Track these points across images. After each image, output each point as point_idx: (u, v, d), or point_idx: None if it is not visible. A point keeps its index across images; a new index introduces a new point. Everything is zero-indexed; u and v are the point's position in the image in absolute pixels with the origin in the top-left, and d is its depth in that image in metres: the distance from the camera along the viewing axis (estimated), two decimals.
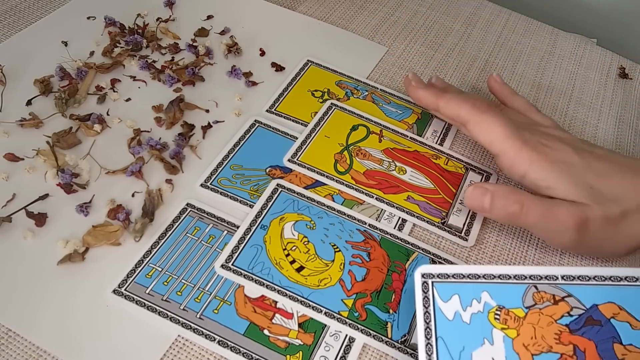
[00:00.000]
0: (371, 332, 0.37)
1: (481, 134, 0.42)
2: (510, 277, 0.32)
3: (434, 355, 0.30)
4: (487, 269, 0.33)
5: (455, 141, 0.50)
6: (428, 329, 0.31)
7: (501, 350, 0.30)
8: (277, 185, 0.43)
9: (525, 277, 0.32)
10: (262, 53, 0.54)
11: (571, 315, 0.31)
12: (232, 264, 0.38)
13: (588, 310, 0.31)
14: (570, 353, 0.30)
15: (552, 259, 0.43)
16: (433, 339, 0.30)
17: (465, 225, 0.43)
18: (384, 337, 0.36)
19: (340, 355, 0.35)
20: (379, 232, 0.42)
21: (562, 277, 0.32)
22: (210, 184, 0.43)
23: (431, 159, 0.47)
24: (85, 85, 0.48)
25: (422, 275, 0.33)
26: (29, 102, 0.46)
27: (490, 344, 0.30)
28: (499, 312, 0.31)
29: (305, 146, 0.46)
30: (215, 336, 0.35)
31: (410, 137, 0.49)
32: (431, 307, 0.31)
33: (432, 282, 0.32)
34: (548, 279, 0.32)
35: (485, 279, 0.32)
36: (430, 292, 0.32)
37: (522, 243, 0.44)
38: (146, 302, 0.36)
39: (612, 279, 0.32)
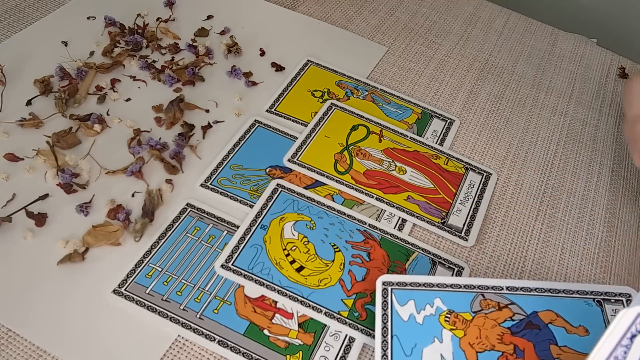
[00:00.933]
0: (371, 332, 0.37)
1: None
2: (461, 287, 0.36)
3: (389, 350, 0.33)
4: (441, 279, 0.36)
5: (455, 141, 0.50)
6: (385, 328, 0.34)
7: (449, 347, 0.33)
8: (277, 185, 0.43)
9: (474, 287, 0.36)
10: (262, 53, 0.54)
11: (513, 320, 0.34)
12: (232, 264, 0.38)
13: (528, 316, 0.34)
14: (511, 352, 0.33)
15: (552, 257, 0.43)
16: (389, 337, 0.34)
17: (465, 225, 0.43)
18: None
19: (340, 355, 0.35)
20: (379, 232, 0.42)
21: (507, 288, 0.36)
22: (210, 184, 0.43)
23: (431, 159, 0.47)
24: (85, 85, 0.48)
25: (383, 283, 0.36)
26: (29, 102, 0.46)
27: (439, 342, 0.33)
28: (449, 315, 0.35)
29: (305, 146, 0.46)
30: (215, 336, 0.35)
31: (410, 137, 0.49)
32: (389, 310, 0.35)
33: (391, 289, 0.36)
34: (494, 289, 0.36)
35: (438, 287, 0.36)
36: (389, 297, 0.35)
37: (522, 243, 0.44)
38: (146, 302, 0.36)
39: (551, 290, 0.36)
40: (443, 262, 0.41)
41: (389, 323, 0.34)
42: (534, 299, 0.36)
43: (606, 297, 0.36)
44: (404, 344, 0.33)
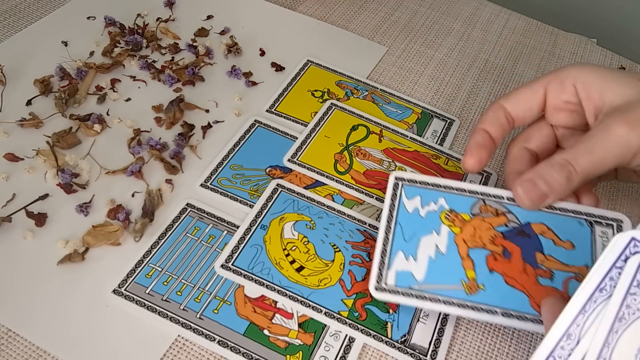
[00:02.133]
0: (371, 332, 0.37)
1: None
2: (465, 191, 0.39)
3: (391, 234, 0.37)
4: (448, 182, 0.39)
5: (455, 141, 0.50)
6: (390, 216, 0.38)
7: (444, 239, 0.37)
8: (277, 185, 0.43)
9: (477, 193, 0.39)
10: (262, 53, 0.54)
11: (507, 227, 0.37)
12: (232, 264, 0.38)
13: (522, 226, 0.37)
14: (500, 252, 0.36)
15: None
16: (393, 223, 0.37)
17: None
18: (383, 337, 0.36)
19: (340, 355, 0.35)
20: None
21: (507, 198, 0.38)
22: (210, 184, 0.43)
23: (431, 159, 0.47)
24: (85, 85, 0.48)
25: (395, 178, 0.39)
26: (29, 102, 0.46)
27: (437, 234, 0.37)
28: (449, 214, 0.38)
29: (305, 146, 0.46)
30: (215, 336, 0.35)
31: (410, 137, 0.49)
32: (397, 201, 0.38)
33: (402, 184, 0.39)
34: (495, 197, 0.39)
35: (444, 189, 0.39)
36: (399, 190, 0.39)
37: None
38: (146, 302, 0.36)
39: (548, 207, 0.38)
40: None
41: (395, 212, 0.38)
42: (530, 212, 0.38)
43: (598, 220, 0.38)
44: (405, 231, 0.37)
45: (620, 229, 0.38)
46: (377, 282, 0.35)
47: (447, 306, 0.34)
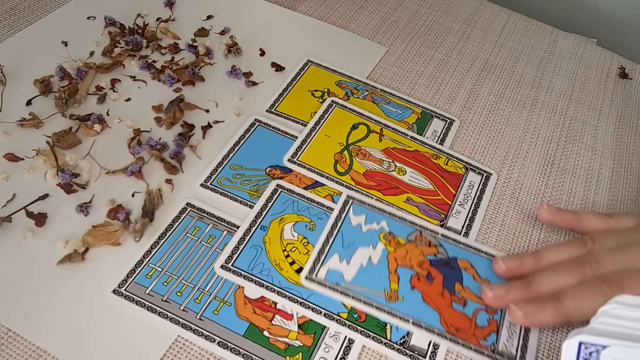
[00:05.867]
0: (370, 333, 0.37)
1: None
2: (406, 220, 0.43)
3: (331, 239, 0.40)
4: (393, 210, 0.43)
5: (455, 141, 0.50)
6: (335, 224, 0.41)
7: (378, 254, 0.40)
8: (277, 185, 0.43)
9: (416, 225, 0.43)
10: (262, 53, 0.54)
11: (436, 256, 0.41)
12: (232, 265, 0.38)
13: (449, 259, 0.41)
14: (424, 275, 0.40)
15: None
16: (335, 230, 0.41)
17: (464, 227, 0.43)
18: (383, 339, 0.37)
19: (339, 356, 0.36)
20: None
21: (441, 235, 0.42)
22: (210, 184, 0.43)
23: (431, 158, 0.47)
24: (85, 85, 0.48)
25: (347, 196, 0.43)
26: (29, 102, 0.46)
27: (372, 248, 0.41)
28: (387, 235, 0.42)
29: (305, 146, 0.46)
30: (215, 337, 0.35)
31: (411, 137, 0.49)
32: (344, 214, 0.42)
33: (352, 202, 0.43)
34: (431, 232, 0.42)
35: (389, 215, 0.43)
36: (348, 206, 0.43)
37: (522, 243, 0.44)
38: (146, 303, 0.36)
39: (474, 249, 0.42)
40: None
41: (340, 222, 0.42)
42: (460, 249, 0.42)
43: None
44: (345, 239, 0.41)
45: None
46: (309, 273, 0.38)
47: (366, 306, 0.37)
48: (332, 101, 0.50)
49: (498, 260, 0.41)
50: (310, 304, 0.37)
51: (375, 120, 0.49)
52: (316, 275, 0.38)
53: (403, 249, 0.41)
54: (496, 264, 0.41)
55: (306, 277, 0.38)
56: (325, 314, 0.37)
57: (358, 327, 0.37)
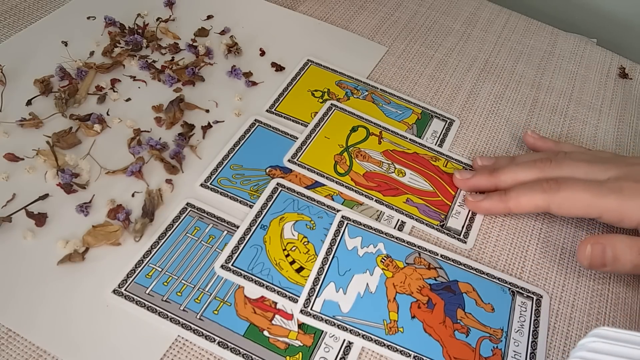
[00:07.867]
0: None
1: (571, 209, 0.40)
2: (403, 241, 0.41)
3: (327, 266, 0.39)
4: (390, 230, 0.42)
5: (455, 141, 0.50)
6: (330, 249, 0.40)
7: (376, 280, 0.39)
8: (277, 184, 0.43)
9: (415, 245, 0.41)
10: (262, 53, 0.54)
11: (436, 280, 0.40)
12: (232, 265, 0.38)
13: (449, 282, 0.40)
14: (424, 302, 0.38)
15: (552, 258, 0.43)
16: (331, 256, 0.40)
17: (464, 228, 0.43)
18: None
19: (339, 356, 0.36)
20: None
21: (441, 256, 0.41)
22: (210, 184, 0.43)
23: (430, 160, 0.47)
24: (85, 85, 0.48)
25: (342, 217, 0.42)
26: (29, 102, 0.46)
27: (370, 274, 0.39)
28: (385, 258, 0.40)
29: (305, 147, 0.46)
30: (215, 337, 0.35)
31: (410, 139, 0.49)
32: (339, 237, 0.41)
33: (347, 223, 0.42)
34: (430, 253, 0.41)
35: (385, 236, 0.41)
36: (343, 228, 0.41)
37: (521, 246, 0.44)
38: (146, 303, 0.36)
39: (476, 270, 0.41)
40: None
41: (335, 246, 0.40)
42: (460, 271, 0.41)
43: (520, 291, 0.40)
44: (341, 265, 0.39)
45: (539, 303, 0.40)
46: (304, 307, 0.37)
47: (365, 340, 0.36)
48: (331, 104, 0.50)
49: (476, 158, 0.46)
50: None
51: (374, 123, 0.49)
52: (312, 308, 0.37)
53: (402, 274, 0.39)
54: (474, 161, 0.46)
55: (301, 311, 0.37)
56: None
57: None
